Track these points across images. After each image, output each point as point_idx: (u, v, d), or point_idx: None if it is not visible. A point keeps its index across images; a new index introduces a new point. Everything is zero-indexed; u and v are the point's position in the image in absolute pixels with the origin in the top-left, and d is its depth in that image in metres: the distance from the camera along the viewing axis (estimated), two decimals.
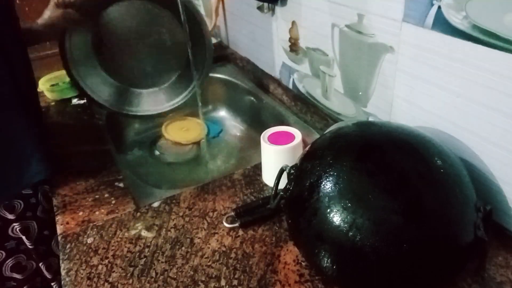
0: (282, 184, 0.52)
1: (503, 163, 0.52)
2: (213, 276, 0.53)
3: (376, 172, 0.44)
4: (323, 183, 0.45)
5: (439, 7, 0.53)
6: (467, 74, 0.52)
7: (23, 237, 0.79)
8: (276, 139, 0.67)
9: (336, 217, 0.43)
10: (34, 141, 0.72)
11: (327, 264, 0.45)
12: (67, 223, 0.64)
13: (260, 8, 0.97)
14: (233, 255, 0.56)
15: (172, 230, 0.61)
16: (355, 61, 0.72)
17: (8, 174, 0.70)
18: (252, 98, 1.07)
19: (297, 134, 0.68)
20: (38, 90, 1.08)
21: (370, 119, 0.73)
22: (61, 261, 0.58)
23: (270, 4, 0.92)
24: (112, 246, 0.59)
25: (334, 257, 0.45)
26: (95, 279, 0.54)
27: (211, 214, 0.64)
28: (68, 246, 0.60)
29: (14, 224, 0.77)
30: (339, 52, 0.75)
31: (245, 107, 1.11)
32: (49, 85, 1.04)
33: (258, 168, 0.73)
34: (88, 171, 0.76)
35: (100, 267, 0.56)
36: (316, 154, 0.50)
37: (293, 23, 0.87)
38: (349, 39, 0.71)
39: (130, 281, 0.54)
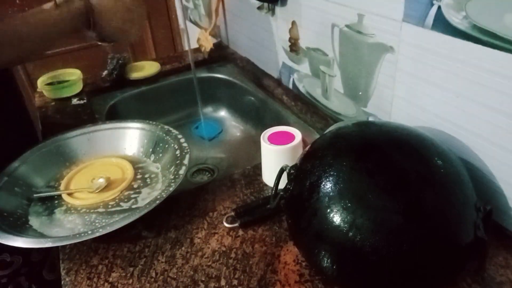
0: (282, 184, 0.52)
1: (503, 163, 0.52)
2: (213, 276, 0.53)
3: (376, 172, 0.44)
4: (323, 183, 0.45)
5: (439, 7, 0.53)
6: (467, 74, 0.52)
7: None
8: (276, 139, 0.67)
9: (336, 217, 0.43)
10: None
11: (327, 264, 0.45)
12: None
13: (260, 8, 0.97)
14: (233, 255, 0.56)
15: (172, 230, 0.61)
16: (355, 61, 0.72)
17: None
18: (252, 98, 1.07)
19: (297, 134, 0.68)
20: (38, 90, 1.08)
21: (370, 119, 0.73)
22: (61, 261, 0.57)
23: (270, 4, 0.92)
24: (112, 246, 0.59)
25: (334, 257, 0.45)
26: (95, 279, 0.54)
27: (211, 214, 0.64)
28: (68, 246, 0.60)
29: None
30: (339, 52, 0.75)
31: (245, 107, 1.11)
32: (45, 84, 1.04)
33: (258, 168, 0.72)
34: None
35: (100, 267, 0.56)
36: (316, 154, 0.50)
37: (293, 23, 0.87)
38: (349, 39, 0.71)
39: (130, 281, 0.54)
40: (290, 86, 0.97)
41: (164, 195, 0.60)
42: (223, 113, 1.20)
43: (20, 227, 0.60)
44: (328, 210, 0.44)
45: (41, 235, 0.60)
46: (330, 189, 0.45)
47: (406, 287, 0.44)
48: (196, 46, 1.26)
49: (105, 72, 1.14)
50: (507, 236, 0.55)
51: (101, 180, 0.68)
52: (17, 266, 0.81)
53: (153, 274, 0.54)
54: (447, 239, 0.43)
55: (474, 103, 0.53)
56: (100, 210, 0.65)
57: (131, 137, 0.79)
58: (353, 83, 0.75)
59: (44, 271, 0.86)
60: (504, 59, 0.47)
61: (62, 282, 0.54)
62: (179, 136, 0.74)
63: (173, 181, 0.63)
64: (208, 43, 1.21)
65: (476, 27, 0.49)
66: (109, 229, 0.55)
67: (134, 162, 0.75)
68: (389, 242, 0.41)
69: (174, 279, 0.53)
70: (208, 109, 1.20)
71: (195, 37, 1.27)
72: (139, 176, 0.71)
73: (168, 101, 1.16)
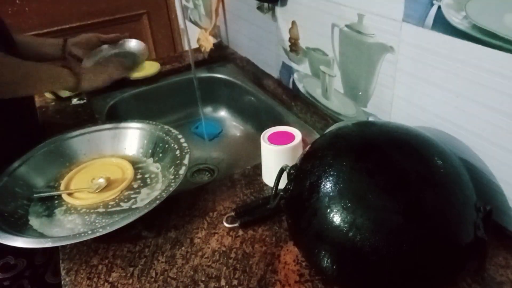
0: (282, 184, 0.52)
1: (503, 163, 0.52)
2: (213, 276, 0.53)
3: (376, 172, 0.44)
4: (323, 183, 0.45)
5: (439, 7, 0.53)
6: (467, 74, 0.52)
7: None
8: (276, 139, 0.67)
9: (336, 217, 0.43)
10: None
11: (327, 264, 0.45)
12: None
13: (260, 8, 0.97)
14: (233, 255, 0.56)
15: (172, 230, 0.61)
16: (355, 61, 0.72)
17: None
18: (252, 98, 1.07)
19: (297, 134, 0.68)
20: None
21: (370, 119, 0.73)
22: (61, 261, 0.58)
23: (270, 4, 0.92)
24: (112, 246, 0.59)
25: (334, 257, 0.45)
26: (95, 279, 0.54)
27: (211, 214, 0.64)
28: (68, 246, 0.60)
29: None
30: (339, 52, 0.75)
31: (245, 107, 1.11)
32: None
33: (258, 168, 0.73)
34: None
35: (100, 267, 0.56)
36: (316, 154, 0.50)
37: (293, 23, 0.87)
38: (349, 39, 0.71)
39: (130, 281, 0.54)
40: (290, 86, 0.97)
41: (164, 195, 0.60)
42: (223, 113, 1.20)
43: (20, 227, 0.60)
44: (328, 210, 0.44)
45: (41, 235, 0.60)
46: (330, 189, 0.45)
47: (406, 287, 0.44)
48: (196, 46, 1.26)
49: None
50: (507, 236, 0.55)
51: (101, 180, 0.68)
52: (21, 269, 0.81)
53: (153, 274, 0.54)
54: (447, 239, 0.43)
55: (474, 103, 0.53)
56: (100, 210, 0.65)
57: (131, 137, 0.79)
58: (353, 83, 0.75)
59: (47, 274, 0.86)
60: (504, 59, 0.47)
61: (62, 282, 0.54)
62: (179, 136, 0.74)
63: (173, 181, 0.63)
64: (208, 43, 1.21)
65: (476, 27, 0.49)
66: (109, 229, 0.55)
67: (134, 162, 0.75)
68: (389, 242, 0.41)
69: (174, 279, 0.53)
70: (208, 109, 1.20)
71: (195, 37, 1.27)
72: (139, 176, 0.71)
73: (168, 101, 1.16)
